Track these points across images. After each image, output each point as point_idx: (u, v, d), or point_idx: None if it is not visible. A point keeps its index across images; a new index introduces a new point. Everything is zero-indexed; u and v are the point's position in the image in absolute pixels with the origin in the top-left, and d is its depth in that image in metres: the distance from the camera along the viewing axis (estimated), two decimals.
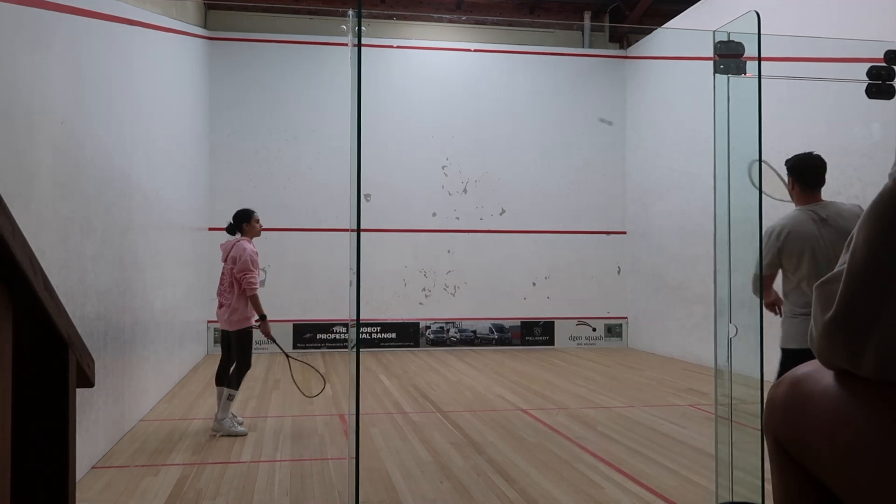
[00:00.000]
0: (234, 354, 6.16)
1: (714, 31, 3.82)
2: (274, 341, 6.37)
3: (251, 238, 6.27)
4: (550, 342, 12.49)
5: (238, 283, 6.04)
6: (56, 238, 4.50)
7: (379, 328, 12.02)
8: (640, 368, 10.15)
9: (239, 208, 6.46)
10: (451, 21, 12.79)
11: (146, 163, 7.13)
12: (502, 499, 4.45)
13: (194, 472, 5.00)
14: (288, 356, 6.58)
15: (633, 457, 5.40)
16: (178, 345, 8.76)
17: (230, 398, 6.04)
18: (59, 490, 1.47)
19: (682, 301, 11.01)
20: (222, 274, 6.25)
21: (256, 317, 6.10)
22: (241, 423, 6.19)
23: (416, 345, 12.17)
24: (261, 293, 11.29)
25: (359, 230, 3.68)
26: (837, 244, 3.86)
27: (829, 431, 0.89)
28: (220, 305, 6.19)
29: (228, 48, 11.87)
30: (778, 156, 8.62)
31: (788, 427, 0.96)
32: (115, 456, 5.44)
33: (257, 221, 6.32)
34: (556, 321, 12.51)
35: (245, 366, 6.13)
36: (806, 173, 4.09)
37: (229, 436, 5.96)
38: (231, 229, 6.31)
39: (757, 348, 3.75)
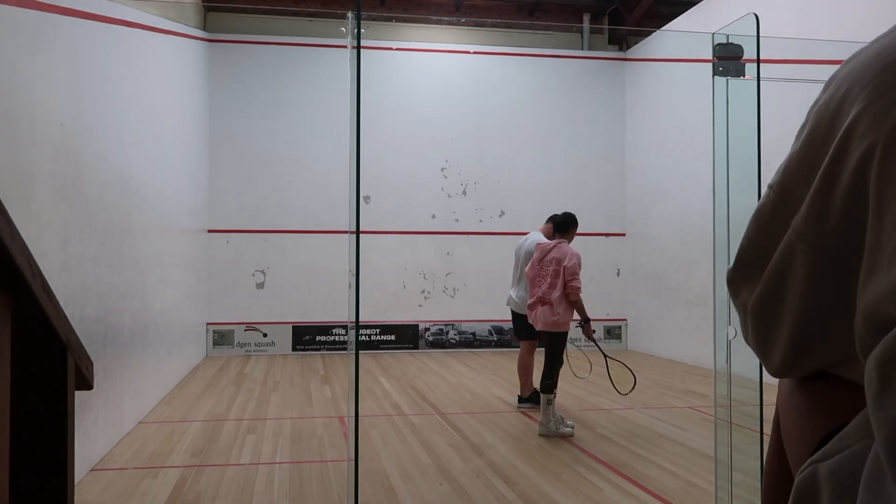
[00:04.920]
0: (549, 354, 6.25)
1: (713, 34, 3.83)
2: (595, 343, 6.57)
3: (569, 242, 6.47)
4: None
5: (563, 286, 6.19)
6: (55, 240, 4.50)
7: (378, 330, 12.02)
8: (640, 370, 10.13)
9: (564, 212, 6.72)
10: (450, 23, 12.80)
11: (146, 165, 7.13)
12: (501, 501, 4.45)
13: (193, 475, 5.00)
14: (606, 356, 6.57)
15: (633, 459, 5.40)
16: (177, 347, 8.76)
17: (549, 402, 6.12)
18: (58, 492, 1.47)
19: (682, 303, 11.01)
20: (537, 274, 6.44)
21: (578, 319, 6.33)
22: (570, 425, 6.23)
23: (416, 347, 12.16)
24: (261, 294, 11.24)
25: (358, 232, 3.69)
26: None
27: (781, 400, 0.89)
28: (541, 303, 6.32)
29: (228, 50, 11.88)
30: (777, 158, 8.63)
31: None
32: (113, 458, 5.43)
33: (576, 228, 6.60)
34: None
35: (557, 367, 6.21)
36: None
37: (560, 437, 6.02)
38: (558, 226, 6.54)
39: None
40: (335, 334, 11.92)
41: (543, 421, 6.12)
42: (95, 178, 5.41)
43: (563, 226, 6.53)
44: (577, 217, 6.65)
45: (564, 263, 6.19)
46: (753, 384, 3.77)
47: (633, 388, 6.52)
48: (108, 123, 5.82)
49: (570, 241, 6.46)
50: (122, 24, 6.34)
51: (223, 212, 11.65)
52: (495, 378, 9.36)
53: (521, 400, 7.48)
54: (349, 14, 3.82)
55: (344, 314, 11.49)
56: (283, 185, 11.95)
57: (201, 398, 7.86)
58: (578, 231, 12.88)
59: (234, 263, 11.70)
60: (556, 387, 6.19)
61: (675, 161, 11.22)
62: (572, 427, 6.17)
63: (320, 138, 11.99)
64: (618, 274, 12.80)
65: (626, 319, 12.68)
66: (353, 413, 3.89)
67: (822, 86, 0.79)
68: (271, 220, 11.84)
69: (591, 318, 6.47)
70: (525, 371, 7.43)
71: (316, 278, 11.83)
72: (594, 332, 6.48)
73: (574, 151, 12.79)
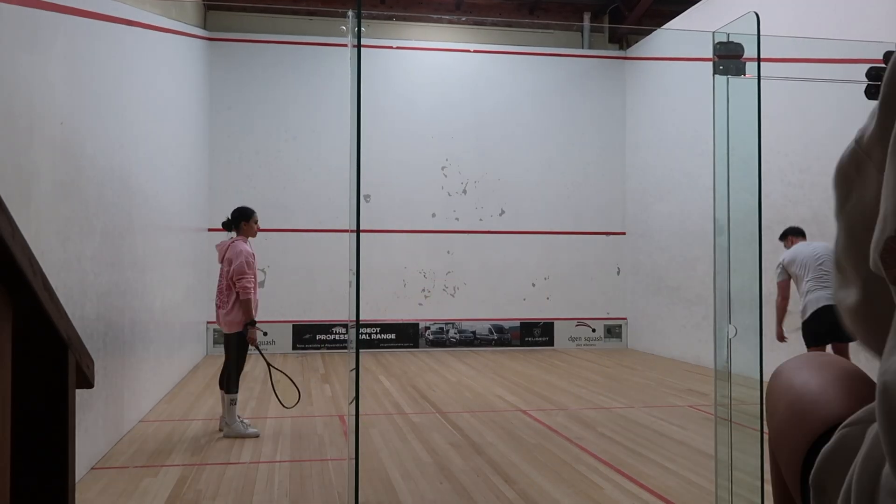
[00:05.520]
0: (229, 355, 6.11)
1: (713, 32, 3.83)
2: (258, 349, 6.19)
3: (247, 238, 6.14)
4: (550, 343, 12.49)
5: (233, 286, 5.97)
6: (56, 239, 4.50)
7: (378, 329, 12.02)
8: (640, 369, 10.15)
9: (239, 206, 6.38)
10: (450, 22, 12.79)
11: (146, 163, 7.13)
12: (502, 499, 4.45)
13: (194, 473, 5.00)
14: (270, 365, 6.36)
15: (633, 457, 5.40)
16: (177, 345, 8.76)
17: (233, 403, 5.98)
18: (58, 491, 1.47)
19: (682, 302, 11.01)
20: (220, 275, 6.17)
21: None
22: (254, 430, 6.13)
23: (416, 345, 12.16)
24: (261, 294, 11.16)
25: (358, 231, 3.69)
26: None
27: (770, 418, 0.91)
28: (219, 307, 6.12)
29: (228, 49, 11.87)
30: (777, 157, 8.69)
31: (767, 417, 1.00)
32: (114, 457, 5.43)
33: (256, 222, 6.21)
34: (555, 322, 12.50)
35: (238, 367, 6.09)
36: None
37: (241, 437, 5.92)
38: (228, 226, 6.20)
39: (757, 349, 3.75)
40: (335, 333, 11.92)
41: (228, 421, 5.96)
42: (95, 177, 5.41)
43: (233, 223, 6.18)
44: (249, 209, 6.24)
45: (234, 264, 5.92)
46: (754, 383, 3.77)
47: (298, 401, 6.35)
48: (108, 122, 5.82)
49: (247, 237, 6.13)
50: (123, 23, 6.33)
51: (223, 210, 11.58)
52: (495, 377, 9.36)
53: None
54: (349, 13, 3.81)
55: (344, 313, 11.49)
56: (283, 183, 11.95)
57: (201, 397, 7.86)
58: (579, 230, 12.79)
59: None
60: (237, 389, 6.04)
61: (676, 159, 11.22)
62: (257, 432, 6.05)
63: (320, 137, 11.99)
64: (618, 273, 12.80)
65: (626, 318, 12.68)
66: (353, 412, 3.89)
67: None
68: (271, 219, 11.82)
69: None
70: None
71: (316, 277, 11.83)
72: (256, 338, 6.08)
73: (574, 150, 12.78)
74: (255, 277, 6.03)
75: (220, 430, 6.11)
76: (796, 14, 8.54)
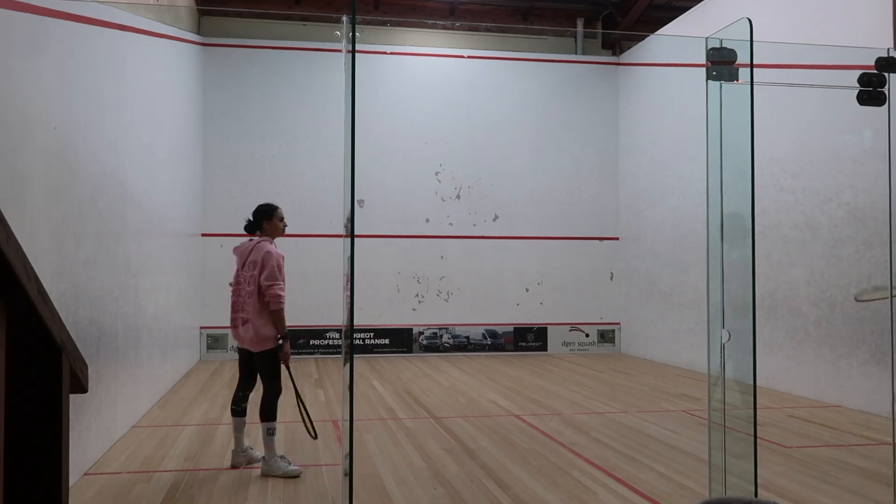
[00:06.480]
0: (264, 379, 5.18)
1: (706, 38, 3.84)
2: (289, 370, 5.21)
3: (272, 239, 5.40)
4: (543, 348, 12.50)
5: (261, 295, 5.09)
6: (49, 243, 4.48)
7: (372, 334, 12.00)
8: (633, 374, 10.16)
9: (260, 203, 5.61)
10: (444, 27, 12.82)
11: (139, 169, 7.11)
12: None
13: (187, 479, 4.98)
14: (300, 397, 5.38)
15: (627, 462, 5.41)
16: (170, 351, 8.73)
17: (271, 432, 5.07)
18: (52, 496, 1.46)
19: (675, 307, 11.03)
20: (238, 283, 5.27)
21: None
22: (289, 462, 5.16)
23: (410, 350, 12.15)
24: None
25: (352, 236, 3.69)
26: None
27: None
28: (243, 322, 5.14)
29: (222, 54, 11.86)
30: (770, 162, 8.71)
31: None
32: (107, 462, 5.41)
33: (281, 219, 5.49)
34: (549, 327, 12.51)
35: (277, 390, 5.19)
36: None
37: (285, 477, 4.98)
38: (251, 227, 5.43)
39: (750, 354, 3.76)
40: (329, 338, 11.90)
41: (267, 457, 5.04)
42: (89, 182, 5.40)
43: (255, 222, 5.46)
44: (271, 204, 5.56)
45: (265, 268, 5.11)
46: (748, 388, 3.78)
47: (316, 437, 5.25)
48: (101, 127, 5.81)
49: (273, 237, 5.40)
50: (116, 28, 6.33)
51: (217, 215, 11.62)
52: (489, 381, 9.36)
53: None
54: (344, 18, 3.82)
55: (338, 318, 11.47)
56: (276, 188, 11.93)
57: (195, 402, 7.83)
58: (572, 235, 12.81)
59: (227, 267, 11.61)
60: (276, 416, 5.13)
61: (669, 165, 11.25)
62: (299, 470, 5.07)
63: (314, 142, 11.99)
64: (611, 278, 12.82)
65: (619, 323, 12.69)
66: (347, 417, 3.88)
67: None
68: None
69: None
70: None
71: (310, 282, 11.80)
72: (289, 355, 5.18)
73: (568, 155, 12.81)
74: (284, 284, 5.22)
75: (235, 466, 5.21)
76: (789, 20, 8.59)
